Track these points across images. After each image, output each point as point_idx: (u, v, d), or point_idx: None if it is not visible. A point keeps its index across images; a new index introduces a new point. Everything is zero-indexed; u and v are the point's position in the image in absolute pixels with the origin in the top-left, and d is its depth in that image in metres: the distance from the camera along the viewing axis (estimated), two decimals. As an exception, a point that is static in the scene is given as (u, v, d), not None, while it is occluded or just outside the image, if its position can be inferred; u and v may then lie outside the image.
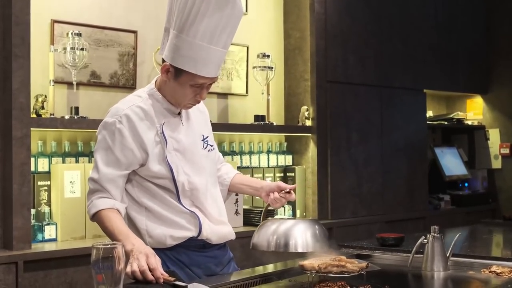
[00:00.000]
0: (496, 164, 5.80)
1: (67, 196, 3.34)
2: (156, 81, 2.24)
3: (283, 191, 2.31)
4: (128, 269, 1.88)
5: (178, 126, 2.21)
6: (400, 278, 2.34)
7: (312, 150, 4.39)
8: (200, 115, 2.36)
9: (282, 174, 4.42)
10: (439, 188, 5.43)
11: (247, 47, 4.36)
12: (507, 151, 5.72)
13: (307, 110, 4.38)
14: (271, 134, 4.38)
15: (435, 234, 2.35)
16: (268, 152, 4.39)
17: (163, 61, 2.14)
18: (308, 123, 4.38)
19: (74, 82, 3.44)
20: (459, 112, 5.78)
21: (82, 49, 3.41)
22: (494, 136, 5.80)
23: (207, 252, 2.26)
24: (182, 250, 2.20)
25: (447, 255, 2.34)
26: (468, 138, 5.97)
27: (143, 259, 1.91)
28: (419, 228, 4.74)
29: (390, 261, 2.61)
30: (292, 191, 2.31)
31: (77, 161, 3.48)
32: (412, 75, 5.07)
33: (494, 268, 2.27)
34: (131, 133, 2.12)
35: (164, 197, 2.17)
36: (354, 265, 2.06)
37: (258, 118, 4.22)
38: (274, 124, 4.26)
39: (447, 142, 5.99)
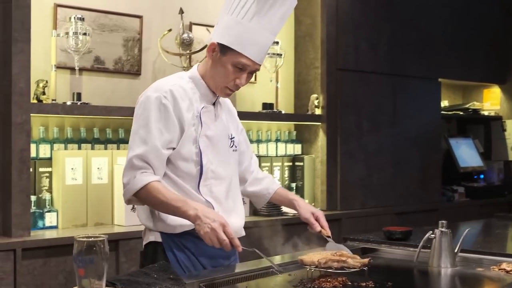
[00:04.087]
0: (513, 155, 5.66)
1: (68, 183, 3.28)
2: (198, 66, 2.25)
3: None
4: (205, 235, 1.94)
5: (212, 116, 2.21)
6: (405, 274, 2.25)
7: (321, 139, 4.29)
8: (229, 115, 2.36)
9: (290, 164, 4.33)
10: (453, 180, 5.30)
11: (256, 33, 4.25)
12: (524, 142, 5.58)
13: (317, 99, 4.28)
14: (279, 122, 4.29)
15: (443, 229, 2.26)
16: (277, 140, 4.30)
17: (211, 44, 2.17)
18: (318, 111, 4.28)
19: (77, 68, 3.36)
20: (475, 102, 5.63)
21: (84, 34, 3.33)
22: (511, 127, 5.65)
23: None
24: (190, 238, 2.14)
25: (455, 251, 2.24)
26: (485, 129, 5.82)
27: (220, 230, 1.93)
28: (431, 220, 4.61)
29: (397, 256, 2.52)
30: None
31: (79, 148, 3.41)
32: (426, 63, 4.93)
33: (504, 266, 2.17)
34: (175, 110, 2.11)
35: (182, 185, 2.14)
36: (355, 261, 1.97)
37: (266, 106, 4.13)
38: (282, 112, 4.17)
39: (462, 132, 5.84)
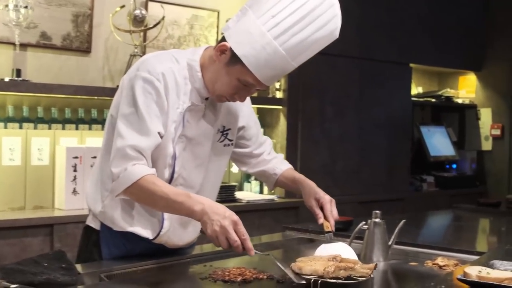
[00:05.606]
0: (487, 145, 5.51)
1: (5, 164, 3.12)
2: (204, 52, 1.93)
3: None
4: (212, 234, 1.67)
5: (199, 113, 1.93)
6: (333, 267, 2.10)
7: (282, 124, 4.14)
8: (233, 105, 2.03)
9: (251, 149, 4.18)
10: (423, 169, 5.16)
11: (218, 12, 4.10)
12: (498, 132, 5.43)
13: (278, 81, 4.12)
14: (240, 105, 4.13)
15: (376, 220, 2.11)
16: (237, 124, 4.15)
17: (223, 39, 1.84)
18: (279, 94, 4.13)
19: (17, 43, 3.21)
20: (448, 89, 5.47)
21: (25, 7, 3.17)
22: (485, 116, 5.50)
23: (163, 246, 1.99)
24: (134, 239, 1.94)
25: (389, 243, 2.10)
26: (459, 117, 5.67)
27: (231, 229, 1.66)
28: (397, 210, 4.49)
29: (334, 247, 2.36)
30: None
31: (20, 127, 3.25)
32: (398, 47, 4.77)
33: (438, 260, 2.02)
34: (166, 97, 1.83)
35: None
36: (363, 267, 1.70)
37: (225, 88, 3.97)
38: (242, 95, 4.01)
39: (437, 120, 5.69)
